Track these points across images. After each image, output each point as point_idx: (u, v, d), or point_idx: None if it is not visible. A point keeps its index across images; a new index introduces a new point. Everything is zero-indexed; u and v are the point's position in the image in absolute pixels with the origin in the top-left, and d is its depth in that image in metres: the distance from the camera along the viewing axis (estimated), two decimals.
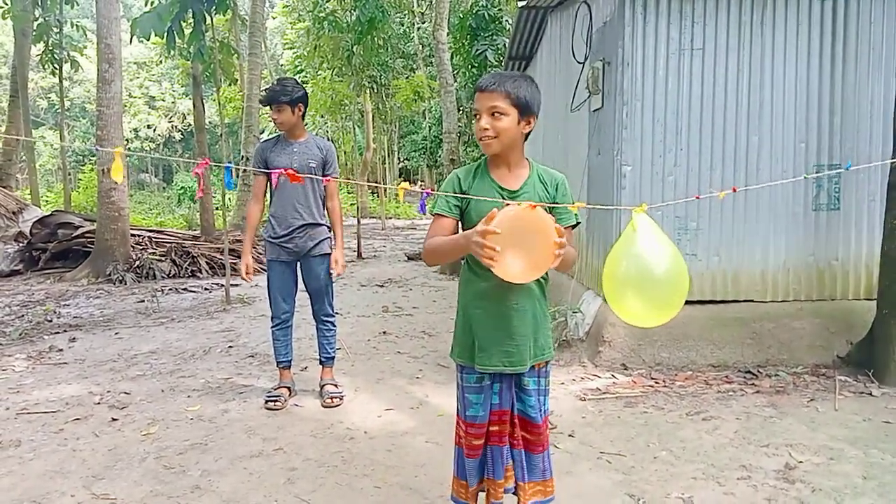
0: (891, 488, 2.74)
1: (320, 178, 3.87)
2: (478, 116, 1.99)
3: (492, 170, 2.08)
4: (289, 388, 4.04)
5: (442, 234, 2.03)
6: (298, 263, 3.99)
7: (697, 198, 2.38)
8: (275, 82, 3.96)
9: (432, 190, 2.15)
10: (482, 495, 2.20)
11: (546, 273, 1.96)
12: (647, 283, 1.87)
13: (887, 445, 3.17)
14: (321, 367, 4.15)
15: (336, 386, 4.07)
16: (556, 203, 2.07)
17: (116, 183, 9.26)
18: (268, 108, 3.91)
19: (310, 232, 3.91)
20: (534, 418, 2.10)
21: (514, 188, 2.05)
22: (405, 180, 38.59)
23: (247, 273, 3.96)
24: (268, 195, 4.05)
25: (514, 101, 1.97)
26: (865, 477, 2.84)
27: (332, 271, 3.98)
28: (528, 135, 2.06)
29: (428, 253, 2.05)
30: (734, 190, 3.25)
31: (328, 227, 4.04)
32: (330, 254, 4.03)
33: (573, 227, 2.10)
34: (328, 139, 6.01)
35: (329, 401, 3.89)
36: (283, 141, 3.95)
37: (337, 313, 4.25)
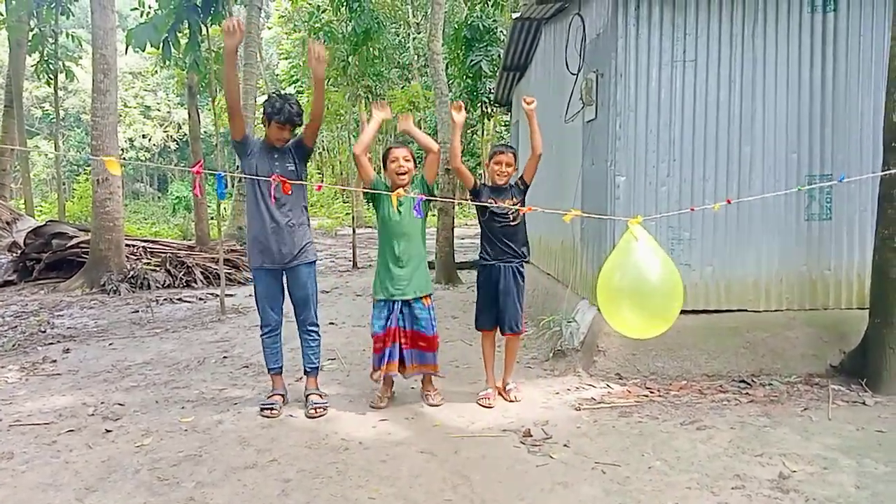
0: (884, 498, 2.75)
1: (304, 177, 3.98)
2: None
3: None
4: (283, 395, 4.04)
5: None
6: (284, 273, 3.99)
7: (692, 209, 2.40)
8: (279, 99, 3.86)
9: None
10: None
11: (427, 220, 3.79)
12: (641, 295, 1.88)
13: (881, 455, 3.18)
14: (305, 376, 4.14)
15: (321, 396, 4.05)
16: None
17: (111, 192, 9.26)
18: (271, 121, 3.82)
19: (294, 234, 3.90)
20: (425, 330, 3.93)
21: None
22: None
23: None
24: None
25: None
26: (859, 486, 2.85)
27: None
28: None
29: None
30: (729, 202, 3.28)
31: (308, 225, 4.04)
32: (314, 261, 4.06)
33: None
34: (323, 148, 6.01)
35: (313, 411, 3.88)
36: (266, 146, 3.93)
37: (332, 323, 4.25)
